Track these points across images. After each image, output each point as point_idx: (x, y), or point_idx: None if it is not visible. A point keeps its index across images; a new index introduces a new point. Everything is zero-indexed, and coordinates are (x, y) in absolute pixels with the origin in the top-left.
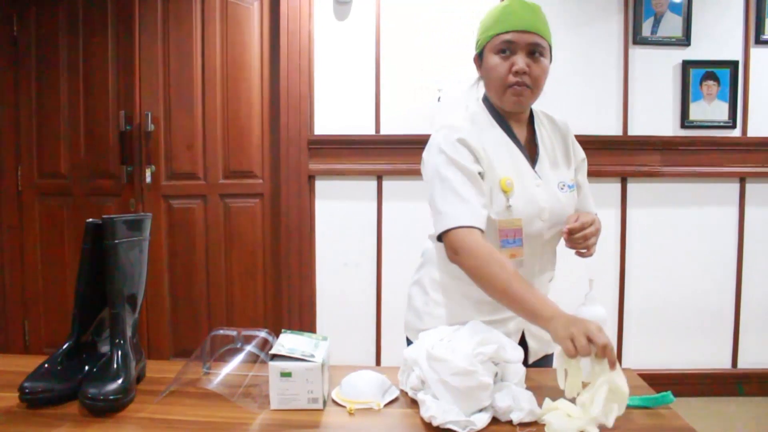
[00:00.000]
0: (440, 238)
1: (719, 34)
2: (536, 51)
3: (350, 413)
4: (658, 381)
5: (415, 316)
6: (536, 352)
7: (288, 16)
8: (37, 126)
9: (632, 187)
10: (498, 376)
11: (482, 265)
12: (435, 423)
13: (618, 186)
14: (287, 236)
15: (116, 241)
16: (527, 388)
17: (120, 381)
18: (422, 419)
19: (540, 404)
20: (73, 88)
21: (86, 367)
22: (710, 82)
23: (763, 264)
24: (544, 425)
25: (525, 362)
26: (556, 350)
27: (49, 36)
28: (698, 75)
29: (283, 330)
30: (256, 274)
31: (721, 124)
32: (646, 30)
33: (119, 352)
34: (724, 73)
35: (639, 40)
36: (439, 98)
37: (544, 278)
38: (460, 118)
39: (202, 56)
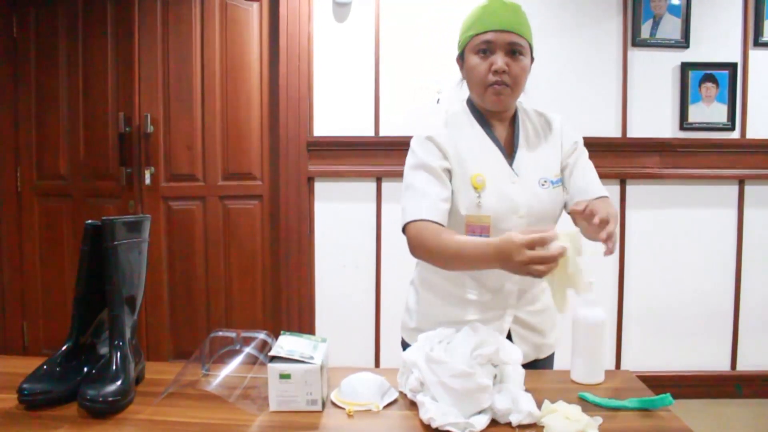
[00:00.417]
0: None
1: (718, 36)
2: (516, 50)
3: (349, 415)
4: (657, 383)
5: (407, 315)
6: (527, 355)
7: (287, 17)
8: (36, 127)
9: (631, 189)
10: (497, 378)
11: (433, 245)
12: (434, 425)
13: (617, 188)
14: (286, 238)
15: (115, 243)
16: (526, 390)
17: (119, 382)
18: (421, 421)
19: (539, 406)
20: (72, 90)
21: (85, 369)
22: (709, 84)
23: (762, 266)
24: (543, 427)
25: None
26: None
27: (48, 37)
28: (697, 77)
29: (282, 332)
30: (256, 276)
31: (720, 126)
32: (645, 32)
33: (118, 354)
34: (723, 75)
35: (638, 42)
36: (438, 100)
37: (536, 280)
38: (438, 120)
39: (201, 58)
